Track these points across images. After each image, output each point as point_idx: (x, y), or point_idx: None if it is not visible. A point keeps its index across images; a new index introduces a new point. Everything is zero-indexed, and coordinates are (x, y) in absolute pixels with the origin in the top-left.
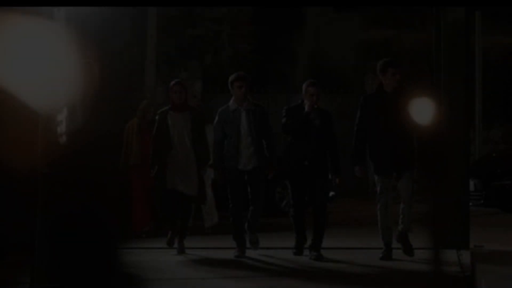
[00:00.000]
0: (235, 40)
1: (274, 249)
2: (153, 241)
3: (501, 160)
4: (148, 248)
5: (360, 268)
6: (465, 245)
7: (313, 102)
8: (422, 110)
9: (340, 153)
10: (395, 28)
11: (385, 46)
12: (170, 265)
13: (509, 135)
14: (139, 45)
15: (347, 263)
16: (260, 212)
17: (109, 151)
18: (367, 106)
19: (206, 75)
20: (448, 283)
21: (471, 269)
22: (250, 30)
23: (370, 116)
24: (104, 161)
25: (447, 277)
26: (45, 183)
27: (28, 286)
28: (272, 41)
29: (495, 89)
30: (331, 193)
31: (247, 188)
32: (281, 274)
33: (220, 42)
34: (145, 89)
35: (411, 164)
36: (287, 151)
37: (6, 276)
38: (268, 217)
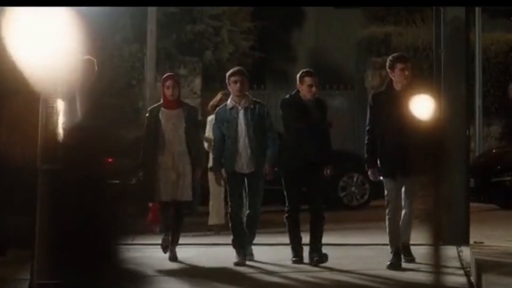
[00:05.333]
0: (235, 36)
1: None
2: (152, 238)
3: (501, 156)
4: (146, 244)
5: (361, 276)
6: (465, 242)
7: (313, 94)
8: (423, 107)
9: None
10: (396, 25)
11: (385, 42)
12: (168, 262)
13: (509, 131)
14: (138, 41)
15: (349, 271)
16: (258, 219)
17: (108, 146)
18: (375, 105)
19: (206, 71)
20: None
21: (476, 278)
22: (250, 26)
23: (378, 115)
24: (103, 157)
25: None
26: (44, 179)
27: (28, 282)
28: (272, 38)
29: (495, 85)
30: None
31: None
32: (281, 280)
33: (220, 38)
34: (144, 86)
35: (419, 168)
36: (288, 147)
37: (5, 273)
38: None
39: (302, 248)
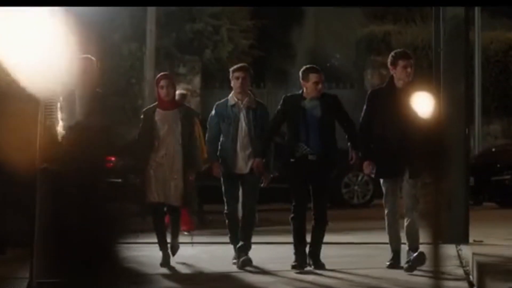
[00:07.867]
0: (234, 35)
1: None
2: (152, 236)
3: (501, 155)
4: (146, 243)
5: (360, 275)
6: (464, 240)
7: (319, 91)
8: (422, 105)
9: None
10: (395, 23)
11: (384, 41)
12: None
13: (509, 130)
14: (138, 40)
15: (347, 274)
16: (253, 223)
17: (107, 146)
18: (374, 101)
19: (205, 70)
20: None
21: (476, 276)
22: (249, 25)
23: (377, 112)
24: (102, 156)
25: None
26: (44, 178)
27: (27, 281)
28: (271, 36)
29: (495, 84)
30: None
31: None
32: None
33: (219, 37)
34: (144, 84)
35: (420, 170)
36: (288, 146)
37: (5, 272)
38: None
39: (305, 258)
